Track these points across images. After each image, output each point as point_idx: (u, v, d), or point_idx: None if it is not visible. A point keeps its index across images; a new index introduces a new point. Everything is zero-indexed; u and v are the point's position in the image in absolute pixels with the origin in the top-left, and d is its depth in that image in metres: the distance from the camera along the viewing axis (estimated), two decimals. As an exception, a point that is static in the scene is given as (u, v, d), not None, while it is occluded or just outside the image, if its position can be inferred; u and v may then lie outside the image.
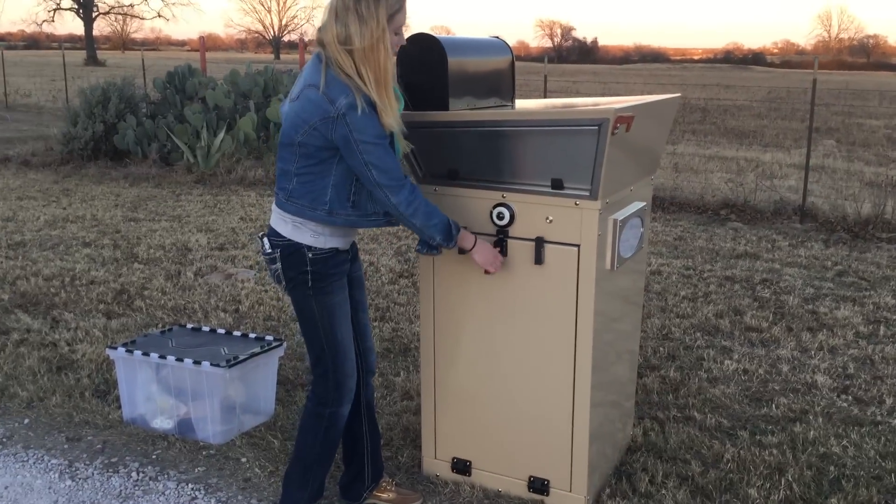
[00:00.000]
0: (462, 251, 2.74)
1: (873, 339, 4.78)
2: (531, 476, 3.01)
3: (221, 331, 3.81)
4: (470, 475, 3.12)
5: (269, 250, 2.63)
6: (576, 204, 2.72)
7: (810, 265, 6.43)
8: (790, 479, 3.16)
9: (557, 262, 2.79)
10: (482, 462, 3.10)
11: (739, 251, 6.84)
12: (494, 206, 2.83)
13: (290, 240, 2.59)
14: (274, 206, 2.65)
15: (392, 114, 2.47)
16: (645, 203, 3.15)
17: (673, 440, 3.47)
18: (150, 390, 3.57)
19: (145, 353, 3.51)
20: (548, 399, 2.92)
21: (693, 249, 6.88)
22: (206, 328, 3.85)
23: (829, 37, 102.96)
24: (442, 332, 3.05)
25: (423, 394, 3.16)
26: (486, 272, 2.83)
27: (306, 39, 21.13)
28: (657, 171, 3.21)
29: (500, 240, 2.84)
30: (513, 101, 3.14)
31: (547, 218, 2.77)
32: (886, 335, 4.85)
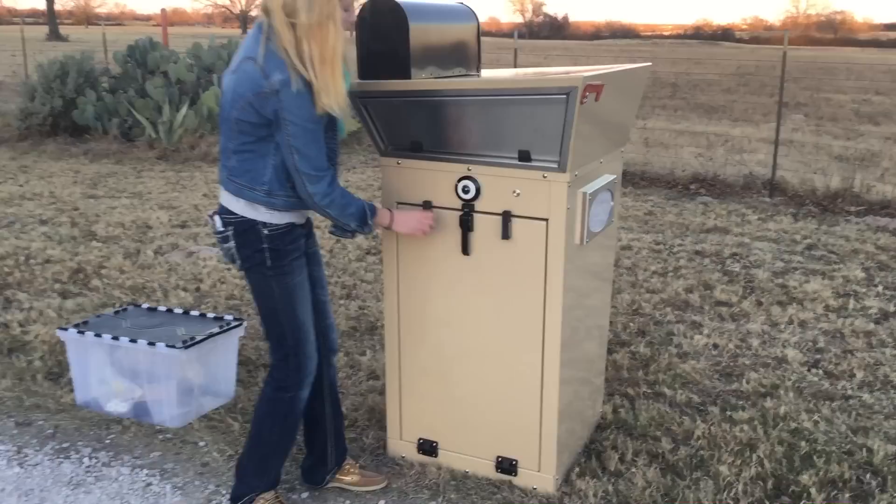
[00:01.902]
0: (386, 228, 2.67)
1: (843, 313, 4.76)
2: (499, 456, 2.94)
3: (179, 310, 3.67)
4: (436, 456, 3.04)
5: (222, 228, 2.49)
6: (544, 177, 2.61)
7: (780, 239, 6.41)
8: (761, 455, 3.12)
9: (525, 237, 2.69)
10: (449, 443, 3.01)
11: (709, 225, 6.80)
12: (460, 180, 2.72)
13: (243, 216, 2.46)
14: (220, 184, 2.52)
15: (334, 96, 2.32)
16: (615, 176, 3.06)
17: (643, 417, 3.41)
18: (103, 373, 3.44)
19: (97, 335, 3.37)
20: (516, 377, 2.83)
21: (663, 224, 6.83)
22: (162, 308, 3.71)
23: (798, 13, 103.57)
24: (407, 310, 2.94)
25: (388, 373, 3.06)
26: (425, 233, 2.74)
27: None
28: (627, 144, 3.11)
29: (466, 214, 2.73)
30: (478, 71, 3.02)
31: (514, 191, 2.67)
32: (856, 308, 4.83)
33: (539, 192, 2.64)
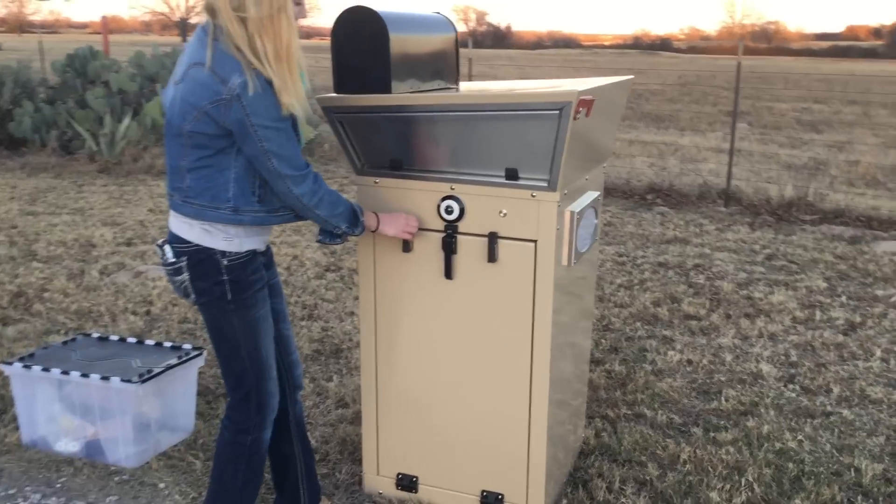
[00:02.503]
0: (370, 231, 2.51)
1: (810, 325, 4.74)
2: (484, 491, 2.78)
3: (132, 339, 3.43)
4: (416, 492, 2.87)
5: (173, 259, 2.26)
6: (532, 196, 2.48)
7: (739, 249, 6.40)
8: (750, 479, 3.02)
9: (512, 260, 2.55)
10: (430, 477, 2.85)
11: (669, 236, 6.77)
12: (442, 199, 2.56)
13: (198, 245, 2.23)
14: (171, 210, 2.29)
15: (295, 94, 2.11)
16: (599, 193, 2.94)
17: (626, 441, 3.29)
18: (52, 409, 3.18)
19: (45, 369, 3.12)
20: (502, 407, 2.69)
21: (624, 235, 6.78)
22: (114, 337, 3.46)
23: (734, 22, 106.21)
24: (385, 338, 2.77)
25: (364, 404, 2.88)
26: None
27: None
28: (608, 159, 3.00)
29: (449, 235, 2.58)
30: (457, 84, 2.88)
31: (500, 211, 2.52)
32: (822, 320, 4.81)
33: (527, 212, 2.50)
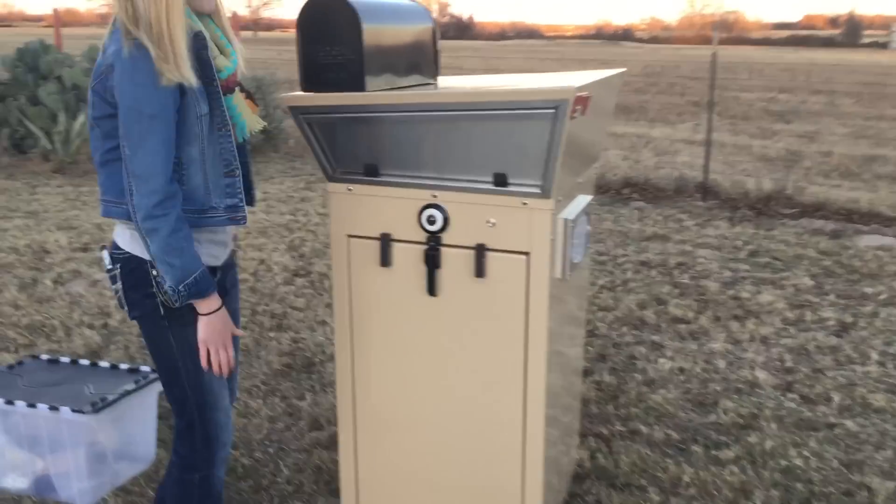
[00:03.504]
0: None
1: (802, 326, 4.56)
2: (474, 525, 2.54)
3: (85, 362, 3.14)
4: (400, 527, 2.62)
5: (109, 266, 2.03)
6: (524, 203, 2.23)
7: (721, 245, 6.23)
8: (758, 502, 2.82)
9: (502, 274, 2.30)
10: (415, 511, 2.60)
11: (648, 233, 6.58)
12: (424, 208, 2.31)
13: (129, 252, 1.98)
14: None
15: (174, 61, 1.81)
16: (591, 196, 2.71)
17: (624, 462, 3.07)
18: (-5, 443, 2.89)
19: (-14, 399, 2.82)
20: (493, 433, 2.44)
21: (602, 232, 6.58)
22: (65, 359, 3.17)
23: (694, 12, 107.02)
24: (363, 361, 2.52)
25: (341, 432, 2.63)
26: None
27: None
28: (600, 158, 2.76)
29: (432, 248, 2.33)
30: (436, 80, 2.62)
31: (488, 221, 2.28)
32: (814, 321, 4.64)
33: (518, 221, 2.26)
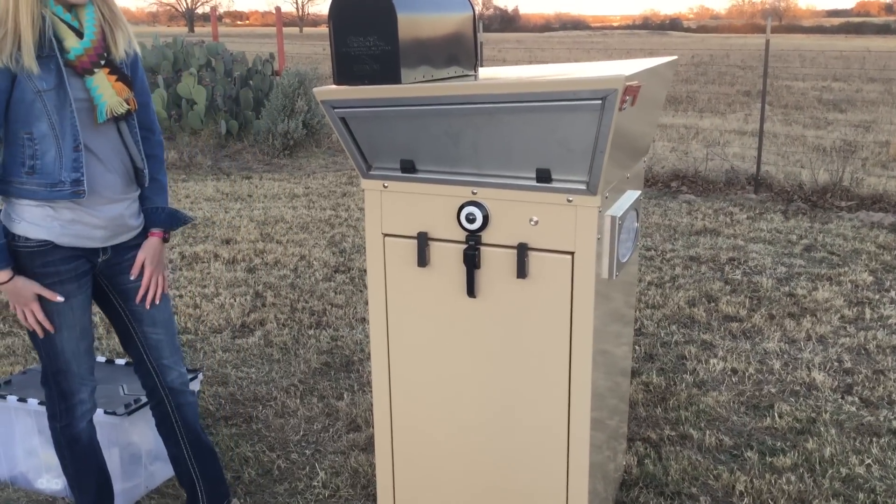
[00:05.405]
0: None
1: (861, 325, 4.36)
2: (516, 536, 2.43)
3: (120, 361, 3.10)
4: (439, 536, 2.53)
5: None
6: (568, 200, 2.11)
7: (775, 240, 6.01)
8: (817, 513, 2.67)
9: (545, 275, 2.19)
10: (454, 520, 2.50)
11: (698, 227, 6.38)
12: (463, 206, 2.20)
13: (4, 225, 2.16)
14: None
15: (26, 50, 1.98)
16: (640, 192, 2.57)
17: (673, 469, 2.93)
18: (31, 443, 2.86)
19: (21, 399, 2.79)
20: (536, 439, 2.33)
21: (650, 226, 6.40)
22: (101, 358, 3.13)
23: (743, 1, 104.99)
24: (400, 364, 2.42)
25: (378, 437, 2.54)
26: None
27: (219, 11, 19.97)
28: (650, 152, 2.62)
29: (472, 247, 2.22)
30: (476, 71, 2.51)
31: (531, 219, 2.16)
32: (873, 318, 4.43)
33: (563, 219, 2.14)
